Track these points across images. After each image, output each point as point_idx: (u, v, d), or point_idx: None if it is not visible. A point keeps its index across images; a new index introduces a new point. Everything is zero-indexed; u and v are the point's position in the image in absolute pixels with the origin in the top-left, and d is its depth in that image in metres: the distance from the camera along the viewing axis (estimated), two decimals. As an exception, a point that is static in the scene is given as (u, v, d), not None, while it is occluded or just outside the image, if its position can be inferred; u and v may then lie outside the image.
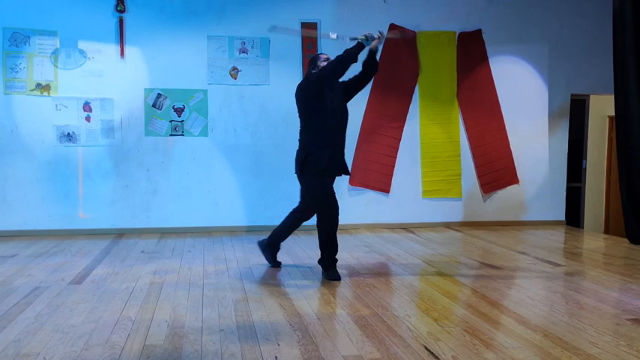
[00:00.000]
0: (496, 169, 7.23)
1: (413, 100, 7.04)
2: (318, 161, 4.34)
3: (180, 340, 3.05)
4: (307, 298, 3.91)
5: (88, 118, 6.42)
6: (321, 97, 4.30)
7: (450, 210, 7.17)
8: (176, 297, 3.90)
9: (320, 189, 4.39)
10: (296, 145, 6.76)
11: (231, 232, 6.66)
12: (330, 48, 6.82)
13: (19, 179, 6.31)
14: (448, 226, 7.11)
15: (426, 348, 2.94)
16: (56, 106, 6.34)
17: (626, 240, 6.20)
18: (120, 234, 6.46)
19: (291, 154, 6.77)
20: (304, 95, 4.37)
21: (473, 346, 2.97)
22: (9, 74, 6.21)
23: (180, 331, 3.20)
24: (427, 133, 7.12)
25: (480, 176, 7.23)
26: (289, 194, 6.84)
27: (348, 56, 4.20)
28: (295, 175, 4.56)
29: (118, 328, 3.22)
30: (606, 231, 8.32)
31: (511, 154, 7.26)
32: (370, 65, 4.47)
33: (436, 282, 4.41)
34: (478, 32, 7.10)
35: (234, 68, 6.68)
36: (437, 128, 7.13)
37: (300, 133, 4.51)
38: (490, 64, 7.14)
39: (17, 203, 6.30)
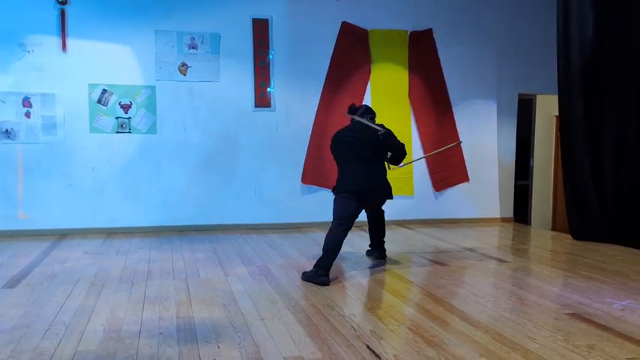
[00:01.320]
0: (447, 167, 7.33)
1: (365, 98, 7.04)
2: None
3: (116, 344, 2.93)
4: (253, 298, 3.84)
5: (27, 114, 6.14)
6: None
7: (402, 208, 7.21)
8: (116, 299, 3.76)
9: None
10: (251, 142, 6.73)
11: (181, 231, 6.51)
12: (282, 44, 6.77)
13: (-47, 178, 5.99)
14: (400, 224, 7.15)
15: (368, 347, 2.92)
16: (-7, 101, 6.05)
17: (570, 236, 6.37)
18: (63, 235, 6.22)
19: (243, 153, 6.74)
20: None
21: (415, 344, 2.96)
22: (-59, 67, 5.89)
23: (117, 335, 3.08)
24: (379, 132, 7.12)
25: (431, 174, 7.31)
26: (239, 193, 6.77)
27: None
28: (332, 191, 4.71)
29: (50, 334, 3.07)
30: (554, 227, 8.55)
31: (462, 152, 7.36)
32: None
33: (385, 280, 4.41)
34: (429, 32, 7.16)
35: (183, 64, 6.52)
36: (389, 126, 7.03)
37: (379, 164, 4.73)
38: (441, 63, 7.22)
39: (-49, 203, 5.99)
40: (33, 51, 6.10)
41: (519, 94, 7.57)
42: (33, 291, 3.95)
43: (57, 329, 3.15)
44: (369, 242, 5.23)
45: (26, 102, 6.13)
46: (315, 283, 4.24)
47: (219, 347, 2.91)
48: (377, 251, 5.14)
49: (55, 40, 6.17)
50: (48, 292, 3.93)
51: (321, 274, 4.27)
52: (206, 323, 3.30)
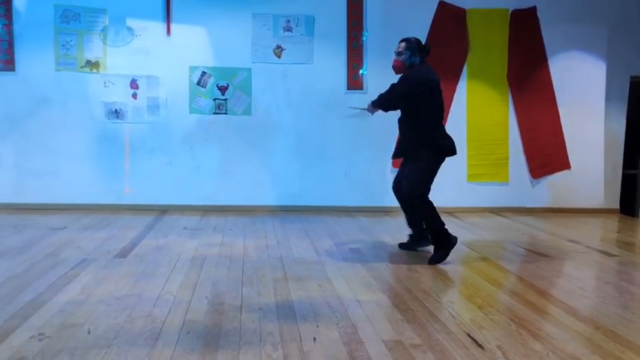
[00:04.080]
0: (546, 153, 6.96)
1: (460, 80, 6.82)
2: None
3: (220, 316, 3.06)
4: (347, 279, 3.86)
5: (134, 96, 6.51)
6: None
7: (496, 195, 6.96)
8: (217, 274, 3.92)
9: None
10: (343, 124, 6.72)
11: (272, 211, 6.66)
12: (376, 25, 6.69)
13: (69, 154, 6.47)
14: (493, 211, 6.91)
15: (469, 335, 2.84)
16: (105, 83, 6.45)
17: (685, 231, 5.87)
18: (163, 210, 6.56)
19: (334, 135, 6.75)
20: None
21: (519, 336, 2.85)
22: (60, 51, 6.34)
23: (220, 307, 3.21)
24: (474, 115, 6.90)
25: (529, 160, 6.98)
26: (330, 175, 6.81)
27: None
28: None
29: (160, 302, 3.25)
30: (663, 221, 7.90)
31: (563, 138, 6.96)
32: None
33: (480, 268, 4.28)
34: (532, 10, 6.78)
35: (278, 47, 6.61)
36: (485, 110, 6.90)
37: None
38: (544, 43, 6.82)
39: (67, 177, 6.47)
40: (140, 35, 6.43)
41: (631, 77, 7.01)
42: (141, 262, 4.20)
43: (166, 299, 3.33)
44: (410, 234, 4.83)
45: (133, 84, 6.49)
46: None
47: (317, 326, 2.95)
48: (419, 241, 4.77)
49: (160, 25, 6.46)
50: (155, 263, 4.17)
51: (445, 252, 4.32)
52: (303, 302, 3.36)
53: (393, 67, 4.45)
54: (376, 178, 6.83)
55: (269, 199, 6.75)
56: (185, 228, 5.58)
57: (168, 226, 5.64)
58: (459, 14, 6.70)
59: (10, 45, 6.24)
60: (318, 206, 6.75)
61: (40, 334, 2.71)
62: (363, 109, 4.65)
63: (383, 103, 4.42)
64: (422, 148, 4.33)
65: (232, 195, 6.72)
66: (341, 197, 6.81)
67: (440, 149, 4.36)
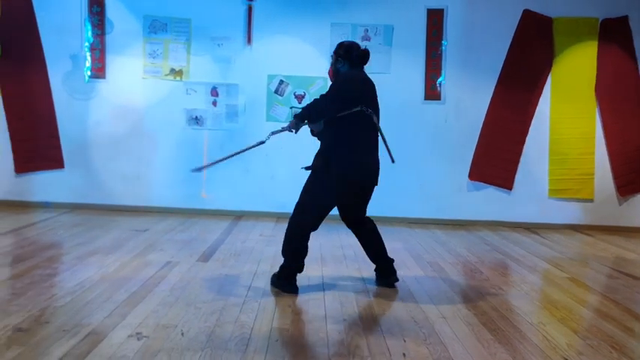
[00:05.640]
0: (636, 169, 6.57)
1: (544, 92, 6.58)
2: None
3: (306, 326, 3.06)
4: (429, 294, 3.78)
5: (214, 103, 6.68)
6: None
7: (579, 212, 6.64)
8: (298, 282, 3.92)
9: None
10: (419, 135, 6.62)
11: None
12: (456, 35, 6.56)
13: (151, 159, 6.71)
14: (576, 229, 6.59)
15: (567, 361, 2.70)
16: (187, 90, 6.66)
17: None
18: (238, 216, 6.68)
19: (409, 146, 6.66)
20: None
21: (623, 366, 2.68)
22: (147, 59, 6.61)
23: (305, 317, 3.21)
24: (558, 128, 6.63)
25: (616, 177, 6.61)
26: (404, 186, 6.71)
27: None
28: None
29: (246, 308, 3.29)
30: None
31: (655, 153, 6.56)
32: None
33: (569, 289, 4.08)
34: (624, 19, 6.45)
35: (355, 56, 6.61)
36: (569, 123, 6.60)
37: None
38: (637, 55, 6.47)
39: (149, 181, 6.72)
40: (222, 44, 6.61)
41: None
42: (223, 266, 4.28)
43: (251, 305, 3.37)
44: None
45: (214, 91, 6.67)
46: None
47: (405, 341, 2.89)
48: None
49: (241, 34, 6.61)
50: (236, 268, 4.23)
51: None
52: (387, 315, 3.31)
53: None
54: (451, 191, 6.68)
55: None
56: (261, 234, 5.65)
57: (245, 232, 5.73)
58: (545, 23, 6.47)
59: (102, 53, 6.58)
60: (391, 217, 6.65)
61: (137, 334, 2.80)
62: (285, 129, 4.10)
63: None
64: None
65: (305, 203, 6.74)
66: (414, 208, 6.69)
67: None
